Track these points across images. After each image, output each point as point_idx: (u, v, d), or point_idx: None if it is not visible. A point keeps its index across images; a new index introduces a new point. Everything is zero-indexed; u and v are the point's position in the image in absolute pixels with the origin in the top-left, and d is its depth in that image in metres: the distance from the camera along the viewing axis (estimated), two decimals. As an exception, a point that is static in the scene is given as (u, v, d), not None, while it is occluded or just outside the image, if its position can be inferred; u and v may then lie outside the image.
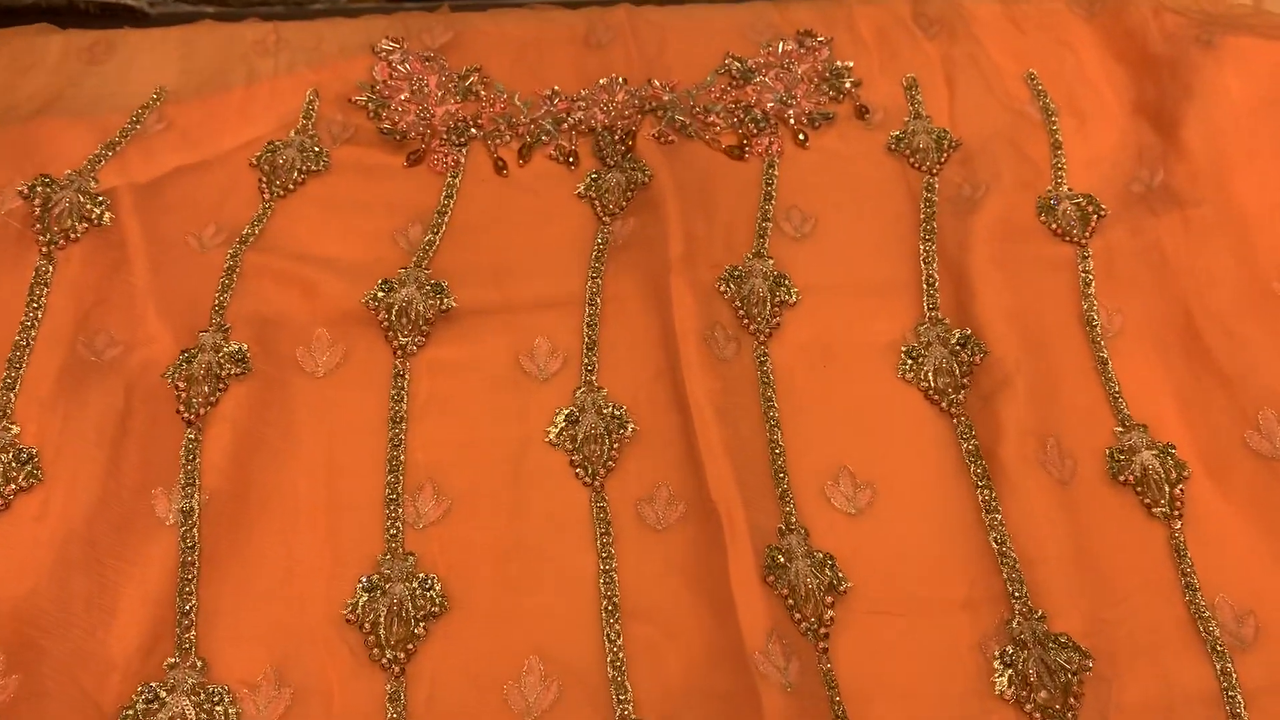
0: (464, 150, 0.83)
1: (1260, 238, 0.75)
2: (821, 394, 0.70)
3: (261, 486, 0.64)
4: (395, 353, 0.70)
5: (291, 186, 0.79)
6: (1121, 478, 0.66)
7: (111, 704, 0.56)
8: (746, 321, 0.73)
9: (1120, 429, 0.68)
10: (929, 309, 0.74)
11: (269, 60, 0.87)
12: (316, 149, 0.81)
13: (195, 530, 0.61)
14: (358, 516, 0.63)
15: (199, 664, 0.57)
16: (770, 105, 0.86)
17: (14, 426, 0.64)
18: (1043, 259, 0.76)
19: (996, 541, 0.63)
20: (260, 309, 0.71)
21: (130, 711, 0.55)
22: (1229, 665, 0.59)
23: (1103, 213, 0.78)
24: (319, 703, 0.57)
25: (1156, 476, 0.66)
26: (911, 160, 0.83)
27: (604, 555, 0.62)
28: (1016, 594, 0.61)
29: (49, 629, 0.57)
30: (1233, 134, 0.80)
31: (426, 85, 0.86)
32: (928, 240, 0.77)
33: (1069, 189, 0.81)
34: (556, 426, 0.67)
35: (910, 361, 0.71)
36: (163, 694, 0.56)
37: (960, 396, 0.69)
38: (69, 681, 0.56)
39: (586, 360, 0.71)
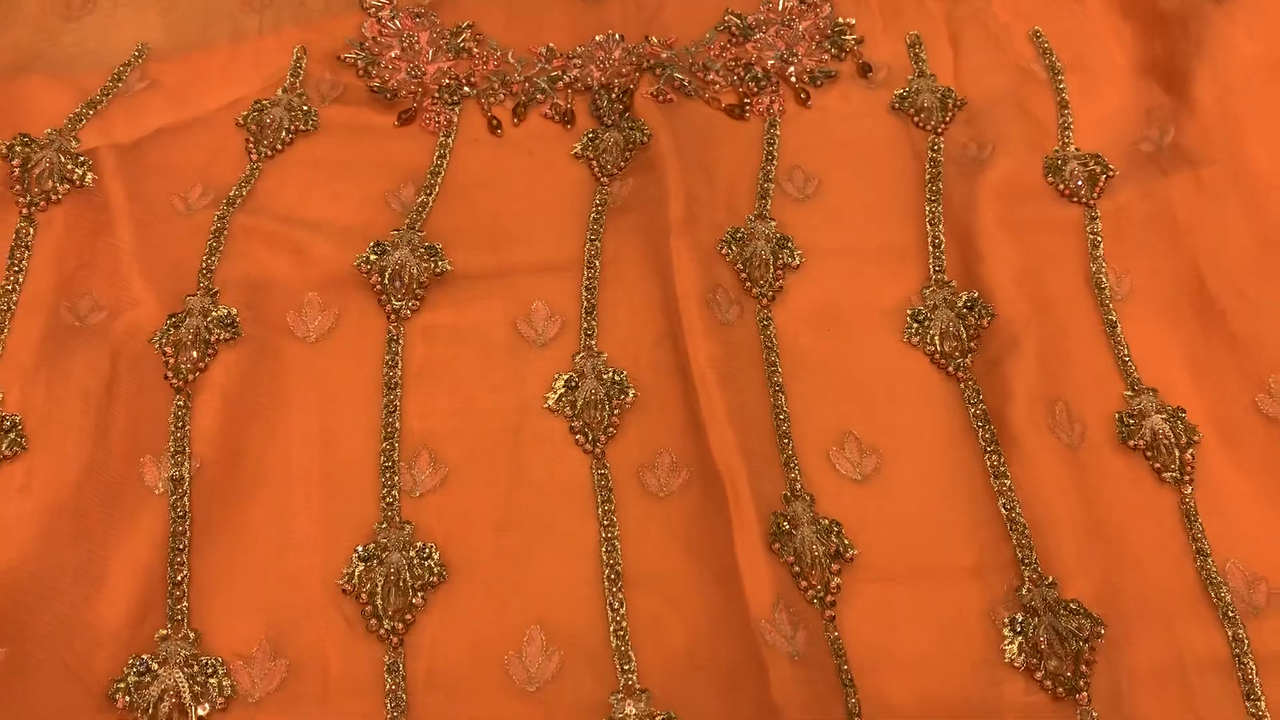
0: (457, 109, 0.80)
1: (1274, 198, 0.74)
2: (826, 358, 0.69)
3: (253, 454, 0.62)
4: (388, 317, 0.68)
5: (280, 146, 0.76)
6: (1131, 442, 0.64)
7: (101, 677, 0.54)
8: (749, 285, 0.71)
9: (1130, 393, 0.67)
10: (935, 271, 0.72)
11: (254, 17, 0.84)
12: (305, 108, 0.79)
13: (186, 499, 0.59)
14: (353, 485, 0.62)
15: (191, 636, 0.56)
16: (771, 63, 0.84)
17: (-4, 393, 0.62)
18: (1050, 220, 0.75)
19: (1005, 507, 0.62)
20: (249, 272, 0.69)
21: (121, 684, 0.54)
22: (1241, 631, 0.58)
23: (1111, 173, 0.76)
24: (315, 675, 0.56)
25: (1167, 441, 0.64)
26: (916, 119, 0.81)
27: (605, 523, 0.61)
28: (1026, 560, 0.60)
29: (35, 601, 0.55)
30: (1245, 92, 0.78)
31: (417, 42, 0.83)
32: (933, 201, 0.76)
33: (1076, 148, 0.79)
34: (555, 392, 0.66)
35: (916, 325, 0.69)
36: (154, 666, 0.54)
37: (967, 360, 0.68)
38: (56, 654, 0.54)
39: (585, 324, 0.69)
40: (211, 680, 0.55)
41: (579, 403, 0.65)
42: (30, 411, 0.62)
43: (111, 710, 0.53)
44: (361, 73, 0.82)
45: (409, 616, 0.57)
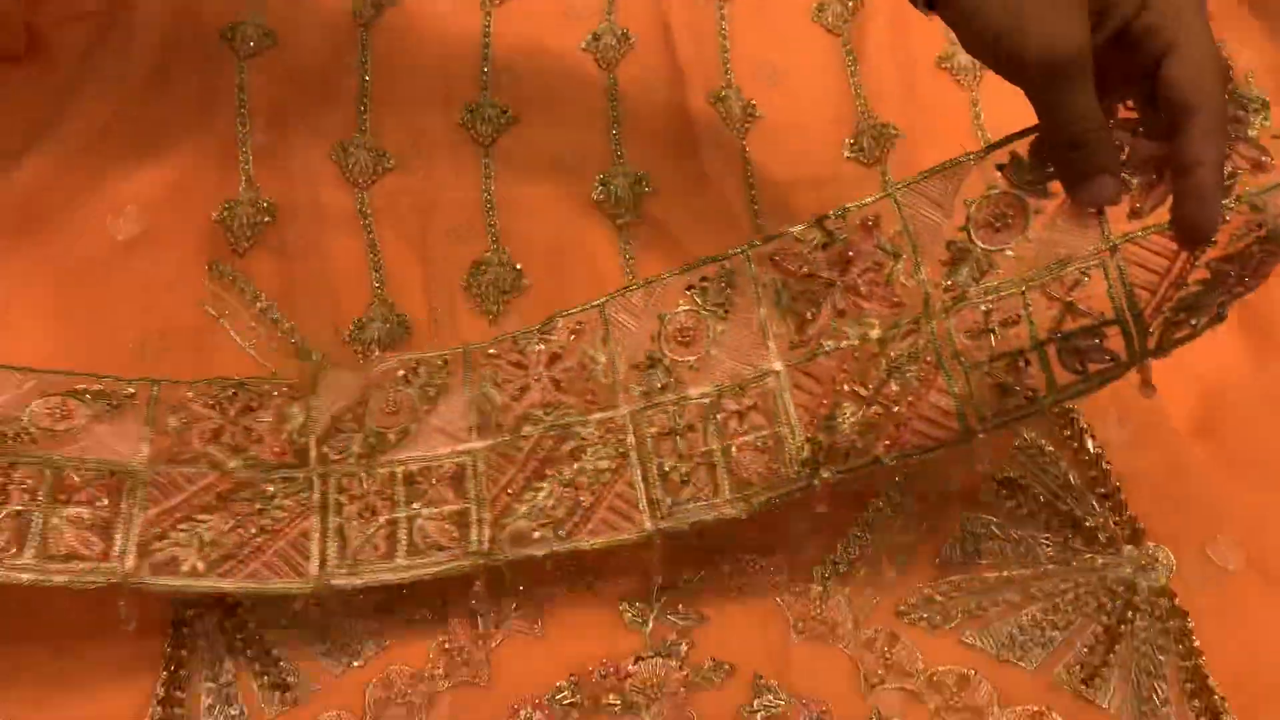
0: None
1: None
2: (741, 34, 1.07)
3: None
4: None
5: None
6: (945, 64, 1.04)
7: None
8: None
9: (951, 46, 1.06)
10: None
11: None
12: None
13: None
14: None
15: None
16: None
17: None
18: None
19: (855, 89, 1.02)
20: None
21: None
22: (992, 154, 0.97)
23: None
24: (443, 168, 0.97)
25: (968, 70, 1.04)
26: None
27: (614, 124, 0.99)
28: (864, 112, 1.01)
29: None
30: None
31: None
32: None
33: None
34: (584, 41, 1.06)
35: (819, 12, 1.09)
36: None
37: (848, 27, 1.08)
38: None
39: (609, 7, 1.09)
40: (384, 163, 0.97)
41: (600, 45, 1.06)
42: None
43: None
44: None
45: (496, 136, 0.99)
